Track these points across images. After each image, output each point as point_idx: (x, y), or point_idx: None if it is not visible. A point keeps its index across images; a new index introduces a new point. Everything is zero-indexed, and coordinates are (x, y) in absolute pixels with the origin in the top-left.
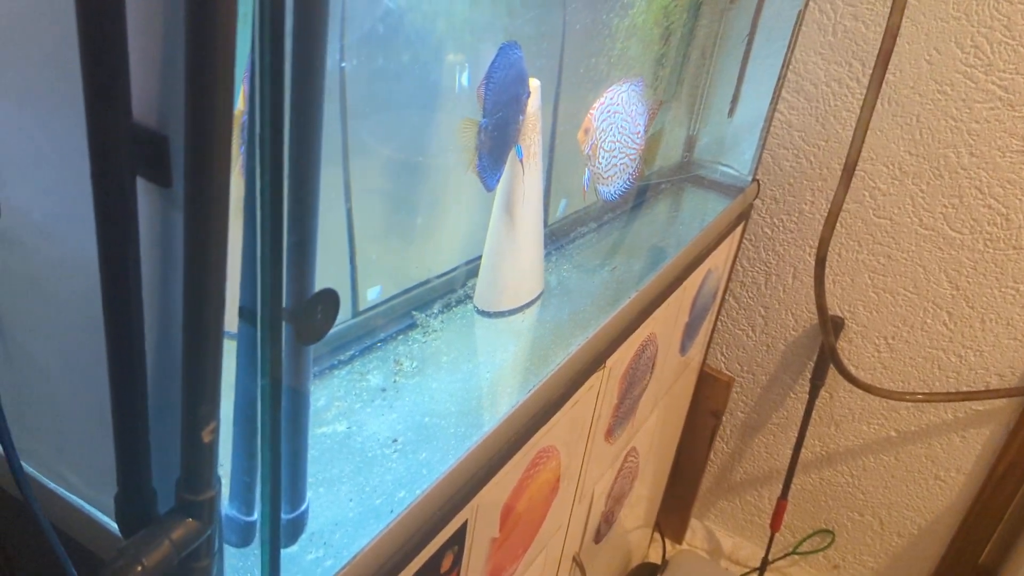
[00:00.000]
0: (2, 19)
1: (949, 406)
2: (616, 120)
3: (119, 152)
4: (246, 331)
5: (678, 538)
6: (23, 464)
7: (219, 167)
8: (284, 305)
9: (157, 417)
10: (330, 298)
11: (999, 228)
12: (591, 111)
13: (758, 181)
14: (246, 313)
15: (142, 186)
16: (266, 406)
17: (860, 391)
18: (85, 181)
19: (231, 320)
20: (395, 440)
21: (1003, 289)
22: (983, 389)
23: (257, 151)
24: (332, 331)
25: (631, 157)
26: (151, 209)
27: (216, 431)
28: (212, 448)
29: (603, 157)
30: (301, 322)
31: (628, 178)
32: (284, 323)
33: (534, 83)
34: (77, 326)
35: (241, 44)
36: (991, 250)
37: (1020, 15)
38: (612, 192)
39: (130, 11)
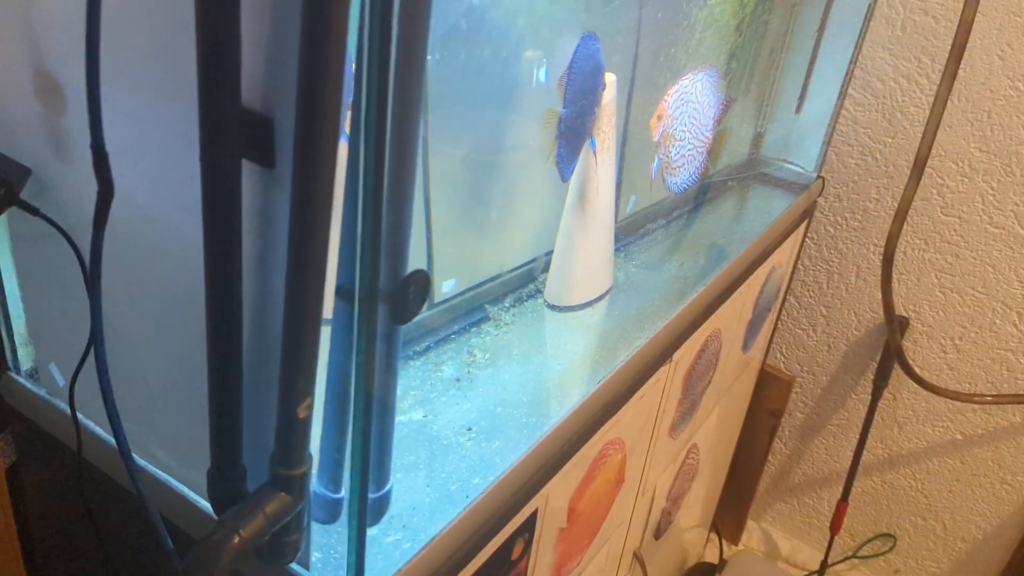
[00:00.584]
0: (116, 5)
1: (1018, 409)
2: (688, 109)
3: (228, 135)
4: (343, 310)
5: (735, 539)
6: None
7: (327, 149)
8: (380, 287)
9: (250, 396)
10: (421, 279)
11: None
12: (665, 97)
13: (823, 178)
14: (343, 292)
15: (245, 168)
16: (360, 384)
17: (925, 392)
18: (188, 165)
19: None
20: (469, 428)
21: None
22: None
23: (362, 133)
24: (408, 323)
25: (699, 150)
26: (253, 190)
27: (311, 407)
28: (307, 424)
29: (673, 146)
30: (395, 302)
31: (695, 171)
32: (379, 303)
33: (610, 77)
34: (175, 307)
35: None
36: None
37: None
38: (679, 184)
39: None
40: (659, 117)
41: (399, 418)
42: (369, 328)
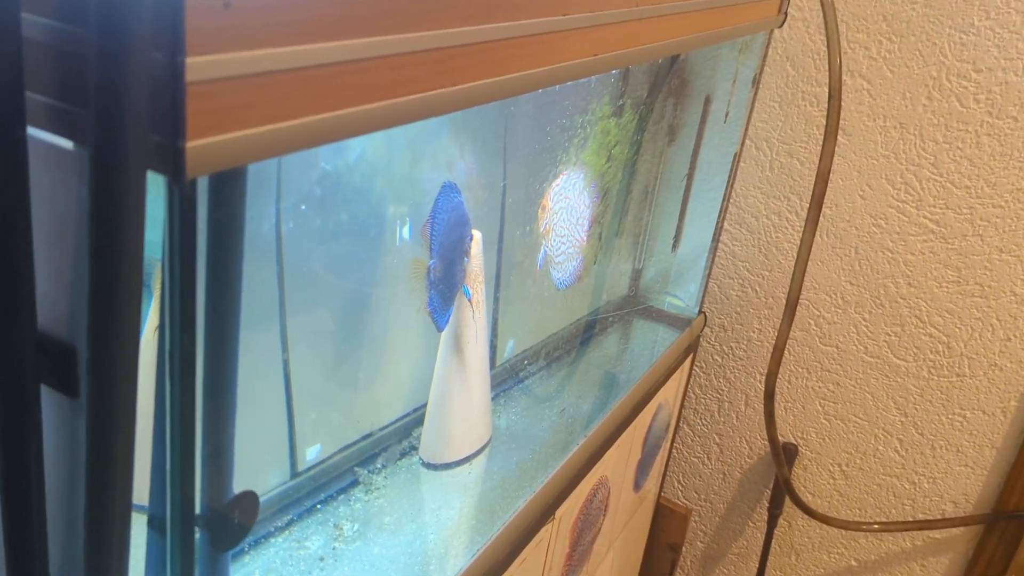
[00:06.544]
0: None
1: (907, 534)
2: (566, 205)
3: (21, 362)
4: (155, 542)
5: None
6: None
7: (124, 384)
8: (198, 511)
9: None
10: (248, 502)
11: (942, 356)
12: (549, 189)
13: (704, 314)
14: (155, 522)
15: (50, 394)
16: None
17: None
18: None
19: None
20: None
21: (950, 416)
22: (939, 518)
23: (167, 367)
24: (270, 495)
25: (575, 249)
26: (59, 418)
27: None
28: None
29: (555, 240)
30: (216, 529)
31: (574, 271)
32: (198, 530)
33: (476, 234)
34: None
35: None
36: (936, 377)
37: (945, 153)
38: (562, 280)
39: (37, 221)
40: (543, 208)
41: None
42: (184, 564)
